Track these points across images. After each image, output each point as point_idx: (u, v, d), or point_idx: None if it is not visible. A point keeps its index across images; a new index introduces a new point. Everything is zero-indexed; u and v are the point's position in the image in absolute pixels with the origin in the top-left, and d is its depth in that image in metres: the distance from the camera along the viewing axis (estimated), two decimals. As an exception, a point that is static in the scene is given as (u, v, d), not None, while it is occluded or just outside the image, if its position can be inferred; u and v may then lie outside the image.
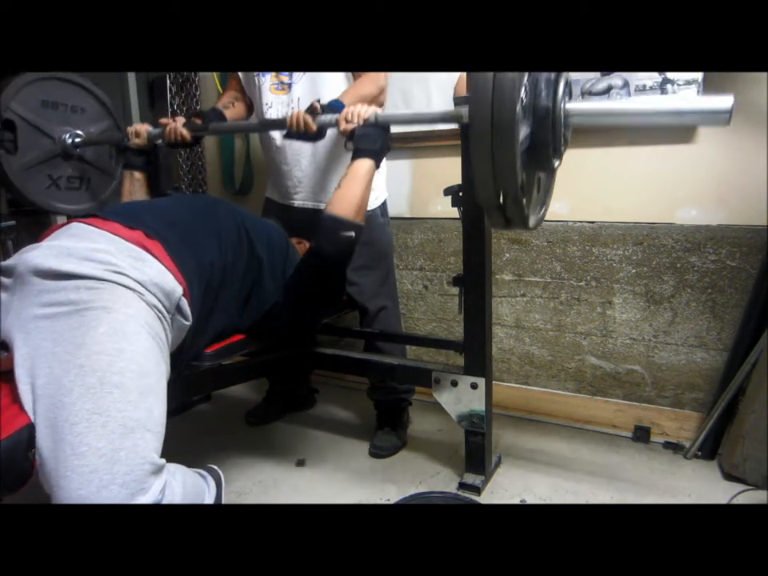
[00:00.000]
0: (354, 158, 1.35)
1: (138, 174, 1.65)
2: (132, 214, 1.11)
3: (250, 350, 1.51)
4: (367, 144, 1.34)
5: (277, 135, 1.71)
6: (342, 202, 1.31)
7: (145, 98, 2.56)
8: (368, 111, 1.35)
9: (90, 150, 1.79)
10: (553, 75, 1.01)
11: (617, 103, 1.06)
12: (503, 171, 0.92)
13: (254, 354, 1.66)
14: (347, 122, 1.35)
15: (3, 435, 0.81)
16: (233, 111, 1.78)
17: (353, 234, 1.31)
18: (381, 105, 1.63)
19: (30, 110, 1.59)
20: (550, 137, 1.02)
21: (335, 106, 1.47)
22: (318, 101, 1.47)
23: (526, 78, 0.93)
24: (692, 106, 0.99)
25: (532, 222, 1.09)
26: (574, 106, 1.05)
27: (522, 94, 0.92)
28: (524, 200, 0.99)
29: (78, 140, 1.71)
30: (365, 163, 1.34)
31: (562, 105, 1.02)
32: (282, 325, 1.39)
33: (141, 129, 1.63)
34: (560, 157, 1.08)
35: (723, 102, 0.94)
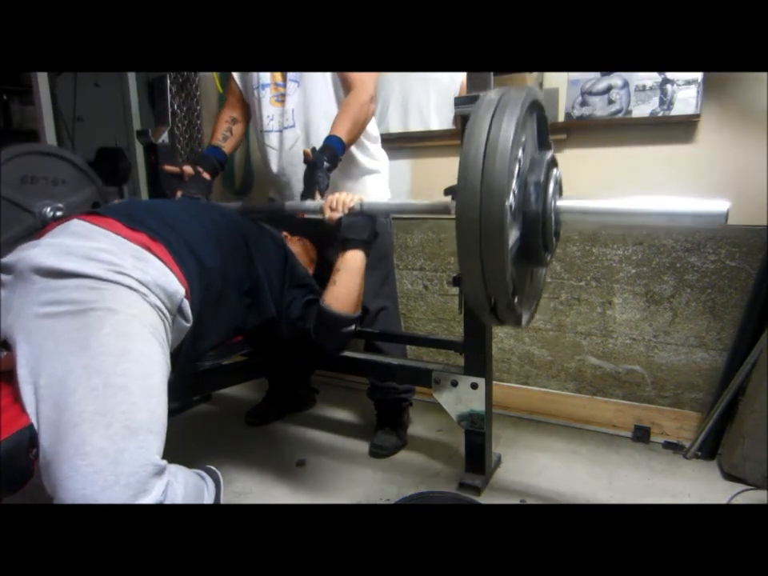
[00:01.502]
0: (342, 248, 1.34)
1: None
2: (133, 214, 1.09)
3: (249, 350, 1.51)
4: (356, 234, 1.33)
5: (275, 144, 1.71)
6: (341, 298, 1.30)
7: (145, 98, 2.57)
8: (353, 200, 1.34)
9: None
10: (542, 178, 1.00)
11: (609, 202, 1.02)
12: (493, 279, 0.91)
13: (253, 353, 1.66)
14: (332, 209, 1.35)
15: (4, 436, 0.81)
16: (232, 141, 1.80)
17: (353, 328, 1.32)
18: (369, 115, 1.62)
19: (10, 187, 1.57)
20: (540, 239, 1.01)
21: (330, 145, 1.49)
22: (313, 149, 1.48)
23: (514, 183, 0.92)
24: (687, 208, 0.95)
25: (525, 320, 1.08)
26: (565, 203, 1.04)
27: (511, 198, 0.90)
28: (516, 301, 0.98)
29: (58, 213, 1.67)
30: (356, 255, 1.33)
31: (553, 203, 1.01)
32: (281, 339, 1.38)
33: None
34: (552, 252, 1.07)
35: (719, 205, 0.92)
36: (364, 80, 1.58)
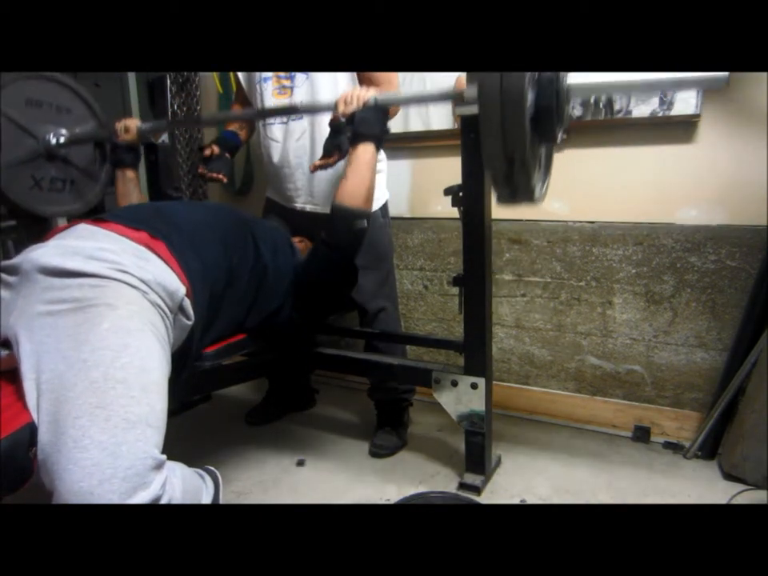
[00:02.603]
0: (353, 142, 1.34)
1: (130, 173, 1.63)
2: (136, 216, 1.12)
3: (249, 350, 1.51)
4: (368, 128, 1.33)
5: (278, 137, 1.71)
6: (352, 192, 1.32)
7: (145, 98, 2.56)
8: (367, 93, 1.34)
9: (74, 153, 1.75)
10: None
11: (615, 76, 1.08)
12: (512, 137, 0.94)
13: (253, 353, 1.66)
14: (346, 104, 1.34)
15: (4, 434, 0.81)
16: (246, 130, 1.84)
17: (365, 222, 1.33)
18: (396, 112, 1.63)
19: (14, 108, 1.54)
20: (554, 103, 1.03)
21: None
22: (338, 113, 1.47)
23: None
24: (691, 75, 1.03)
25: (537, 192, 1.11)
26: (576, 79, 1.07)
27: None
28: (531, 168, 1.00)
29: (62, 139, 1.67)
30: (368, 148, 1.34)
31: (565, 76, 1.05)
32: (286, 323, 1.39)
33: (131, 124, 1.61)
34: (563, 128, 1.10)
35: (720, 74, 1.00)
36: (390, 78, 1.61)
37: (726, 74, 1.00)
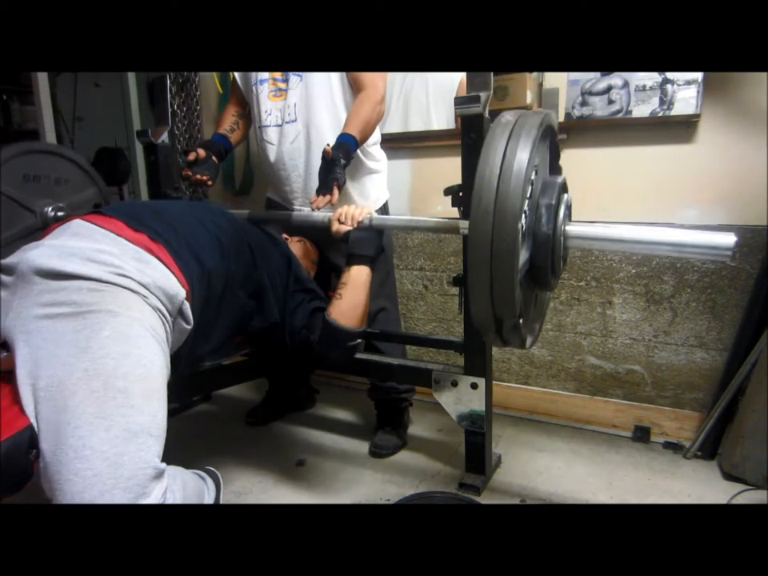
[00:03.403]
0: (348, 263, 1.33)
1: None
2: (135, 215, 1.09)
3: (249, 350, 1.51)
4: (363, 249, 1.32)
5: (273, 139, 1.71)
6: (347, 313, 1.29)
7: (145, 98, 2.57)
8: (362, 213, 1.34)
9: None
10: (554, 201, 1.00)
11: (617, 229, 1.02)
12: (502, 300, 0.91)
13: (253, 354, 1.66)
14: (340, 222, 1.34)
15: (3, 437, 0.81)
16: (238, 133, 1.84)
17: (358, 341, 1.32)
18: (381, 114, 1.62)
19: (11, 185, 1.55)
20: (549, 262, 1.01)
21: (344, 142, 1.49)
22: (328, 145, 1.48)
23: (526, 204, 0.92)
24: (694, 239, 0.96)
25: (529, 342, 1.09)
26: (574, 228, 1.04)
27: (522, 219, 0.91)
28: (521, 323, 0.98)
29: (60, 213, 1.66)
30: (362, 270, 1.32)
31: (563, 228, 1.02)
32: (282, 343, 1.38)
33: None
34: (558, 277, 1.08)
35: (726, 238, 0.92)
36: (375, 80, 1.60)
37: (732, 242, 0.91)
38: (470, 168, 1.36)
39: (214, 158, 1.72)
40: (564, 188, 1.06)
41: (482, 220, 0.89)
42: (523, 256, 0.96)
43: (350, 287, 1.31)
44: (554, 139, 1.11)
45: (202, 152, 1.70)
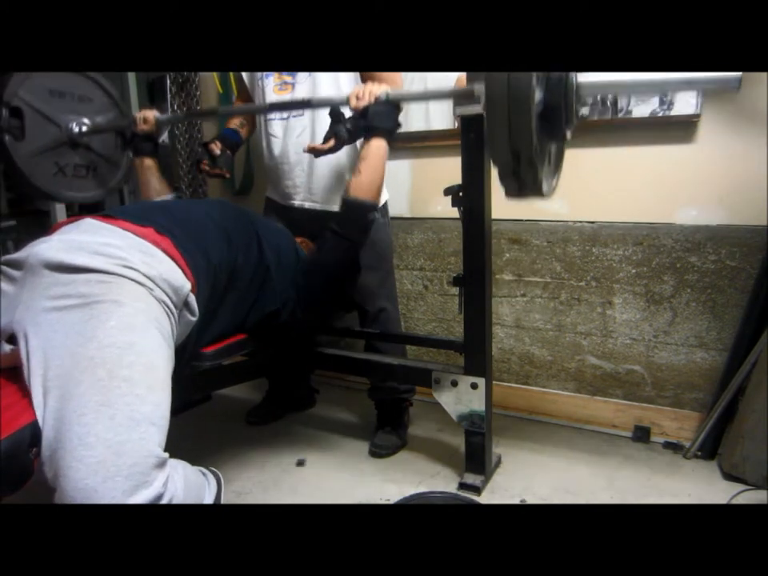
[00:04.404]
0: (367, 136, 1.38)
1: (148, 162, 1.67)
2: (142, 213, 1.12)
3: (249, 350, 1.51)
4: (381, 122, 1.36)
5: (279, 134, 1.71)
6: (366, 186, 1.36)
7: (145, 98, 2.56)
8: (379, 89, 1.36)
9: (96, 140, 1.80)
10: None
11: (626, 75, 1.08)
12: (518, 133, 0.94)
13: (253, 353, 1.66)
14: (358, 99, 1.36)
15: (4, 434, 0.81)
16: (247, 128, 1.86)
17: (375, 214, 1.40)
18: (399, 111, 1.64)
19: (38, 98, 1.61)
20: (563, 102, 1.03)
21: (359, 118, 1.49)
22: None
23: None
24: (703, 76, 1.01)
25: (545, 187, 1.11)
26: (586, 77, 1.07)
27: None
28: (538, 164, 1.00)
29: (84, 128, 1.72)
30: (380, 143, 1.37)
31: (575, 75, 1.04)
32: (286, 325, 1.39)
33: (149, 114, 1.65)
34: (572, 127, 1.10)
35: (733, 74, 0.96)
36: (395, 78, 1.62)
37: (739, 74, 0.96)
38: (469, 168, 1.37)
39: (228, 151, 1.76)
40: None
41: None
42: (538, 95, 0.98)
43: (369, 162, 1.37)
44: None
45: (219, 144, 1.73)
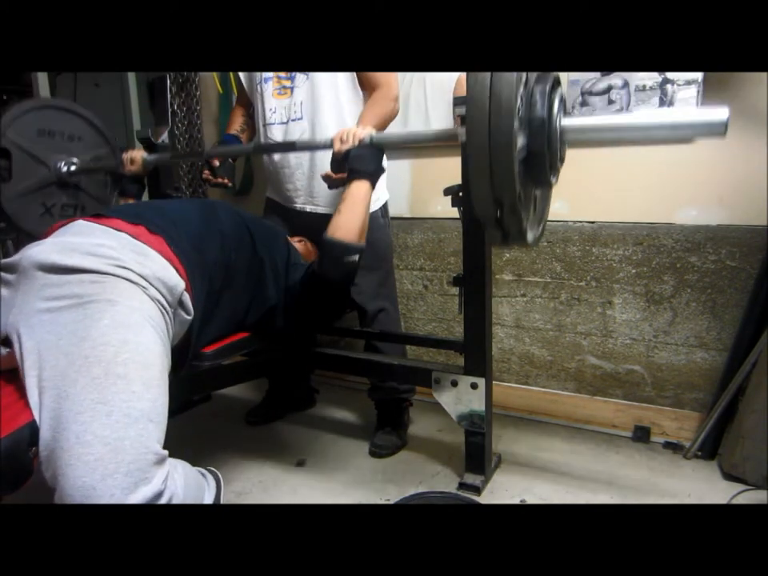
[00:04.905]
0: (349, 179, 1.35)
1: (132, 202, 1.66)
2: (135, 211, 1.13)
3: (249, 350, 1.51)
4: (363, 165, 1.34)
5: (279, 138, 1.71)
6: (345, 227, 1.31)
7: (145, 98, 2.57)
8: (363, 132, 1.35)
9: (85, 178, 1.79)
10: (548, 87, 1.00)
11: (612, 117, 1.06)
12: (501, 181, 0.92)
13: (253, 353, 1.66)
14: (342, 142, 1.35)
15: (4, 434, 0.81)
16: (247, 133, 1.87)
17: (356, 258, 1.33)
18: (395, 113, 1.64)
19: (26, 138, 1.59)
20: (546, 148, 1.01)
21: None
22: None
23: (521, 90, 0.93)
24: (688, 119, 0.99)
25: (530, 237, 1.09)
26: (570, 121, 1.05)
27: (519, 104, 0.91)
28: (522, 212, 0.99)
29: (72, 168, 1.70)
30: (362, 185, 1.34)
31: (558, 119, 1.02)
32: (282, 326, 1.39)
33: (136, 156, 1.66)
34: (556, 173, 1.08)
35: (718, 113, 0.94)
36: (390, 79, 1.61)
37: (725, 119, 0.94)
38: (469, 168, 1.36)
39: (230, 159, 1.76)
40: (557, 80, 1.07)
41: (478, 105, 0.89)
42: (520, 141, 0.97)
43: (348, 202, 1.33)
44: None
45: None
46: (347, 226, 1.31)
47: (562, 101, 1.06)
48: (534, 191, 1.14)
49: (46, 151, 1.65)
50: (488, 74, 0.89)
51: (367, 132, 1.35)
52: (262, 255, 1.30)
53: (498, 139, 0.89)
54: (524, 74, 0.94)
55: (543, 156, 1.02)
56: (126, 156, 1.66)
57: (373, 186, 1.37)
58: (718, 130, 0.95)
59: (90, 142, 1.78)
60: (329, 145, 1.39)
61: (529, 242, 1.09)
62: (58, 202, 1.73)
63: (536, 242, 1.16)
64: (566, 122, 1.05)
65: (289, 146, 1.52)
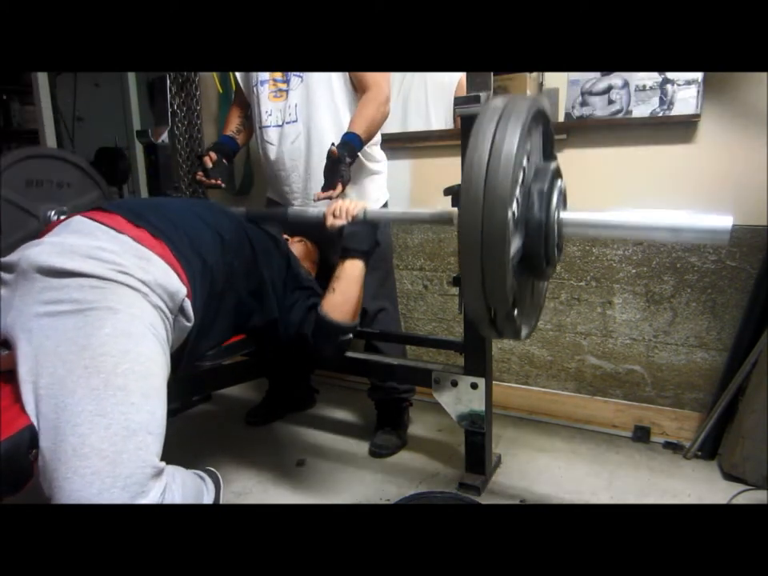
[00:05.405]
0: (342, 256, 1.32)
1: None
2: (136, 210, 1.09)
3: (249, 350, 1.51)
4: (357, 244, 1.31)
5: (275, 141, 1.71)
6: (340, 308, 1.29)
7: (145, 98, 2.57)
8: (356, 207, 1.32)
9: None
10: (546, 187, 0.98)
11: (612, 215, 1.00)
12: (493, 289, 0.89)
13: (254, 353, 1.66)
14: (335, 217, 1.33)
15: (4, 436, 0.81)
16: (244, 135, 1.87)
17: (351, 336, 1.32)
18: (386, 115, 1.63)
19: (14, 191, 1.56)
20: (543, 250, 0.99)
21: (349, 141, 1.51)
22: (334, 144, 1.49)
23: (518, 191, 0.90)
24: (690, 223, 0.94)
25: (524, 333, 1.07)
26: (568, 215, 1.02)
27: (514, 206, 0.89)
28: (515, 313, 0.96)
29: (62, 216, 1.63)
30: (356, 264, 1.31)
31: (556, 215, 0.99)
32: (280, 338, 1.38)
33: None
34: (554, 266, 1.06)
35: (722, 221, 0.91)
36: (379, 81, 1.61)
37: (729, 225, 0.90)
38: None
39: (224, 160, 1.75)
40: (557, 173, 1.04)
41: (472, 207, 0.86)
42: (516, 244, 0.94)
43: (342, 281, 1.30)
44: (547, 124, 1.09)
45: (213, 155, 1.72)
46: (343, 308, 1.29)
47: (561, 194, 1.02)
48: (530, 283, 1.12)
49: (34, 202, 1.60)
50: (483, 171, 0.86)
51: (360, 207, 1.33)
52: (261, 267, 1.27)
53: (490, 240, 0.85)
54: (520, 173, 0.90)
55: (540, 257, 0.99)
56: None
57: (367, 263, 1.34)
58: (722, 237, 0.91)
59: (79, 187, 1.73)
60: (320, 219, 1.36)
61: (522, 339, 1.06)
62: None
63: (529, 334, 1.13)
64: (565, 216, 1.01)
65: (280, 215, 1.49)
